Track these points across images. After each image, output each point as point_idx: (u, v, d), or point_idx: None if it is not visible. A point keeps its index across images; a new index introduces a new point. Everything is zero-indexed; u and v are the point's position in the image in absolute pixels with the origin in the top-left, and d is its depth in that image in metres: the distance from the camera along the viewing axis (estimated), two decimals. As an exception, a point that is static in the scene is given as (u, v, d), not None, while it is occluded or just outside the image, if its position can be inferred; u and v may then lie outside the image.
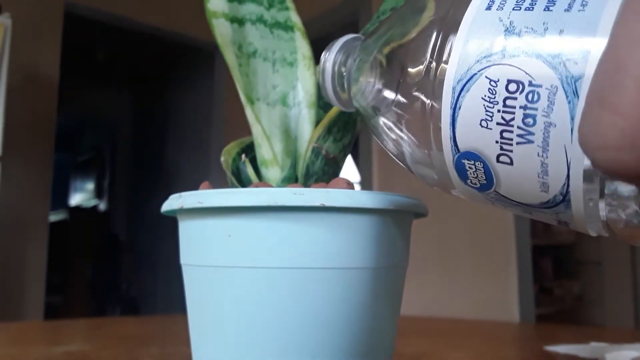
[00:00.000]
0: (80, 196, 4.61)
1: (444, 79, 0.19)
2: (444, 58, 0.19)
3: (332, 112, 0.29)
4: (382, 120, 0.22)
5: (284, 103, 0.31)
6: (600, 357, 0.55)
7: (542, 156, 0.17)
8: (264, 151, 0.29)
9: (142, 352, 0.60)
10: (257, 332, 0.24)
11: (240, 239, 0.24)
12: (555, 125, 0.16)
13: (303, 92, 0.30)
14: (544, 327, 0.82)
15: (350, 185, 0.26)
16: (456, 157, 0.19)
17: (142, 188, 3.78)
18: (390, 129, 0.22)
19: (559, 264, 2.61)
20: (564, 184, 0.17)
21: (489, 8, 0.18)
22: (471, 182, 0.19)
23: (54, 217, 3.38)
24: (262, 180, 0.30)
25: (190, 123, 3.22)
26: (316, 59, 0.31)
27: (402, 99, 0.21)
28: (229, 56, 0.28)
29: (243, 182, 0.30)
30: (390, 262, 0.26)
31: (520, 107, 0.17)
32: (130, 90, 4.22)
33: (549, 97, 0.16)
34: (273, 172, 0.29)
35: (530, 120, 0.17)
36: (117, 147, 4.32)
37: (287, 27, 0.31)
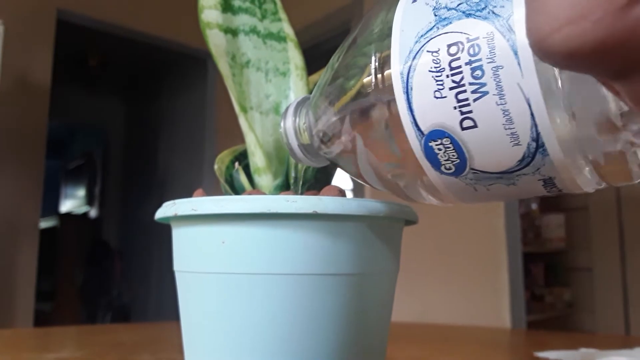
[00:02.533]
0: (71, 203, 4.58)
1: (392, 82, 0.19)
2: (386, 67, 0.19)
3: (324, 121, 0.30)
4: (347, 152, 0.23)
5: (277, 112, 0.31)
6: (588, 362, 0.55)
7: (501, 103, 0.17)
8: (257, 159, 0.29)
9: (134, 359, 0.59)
10: (249, 337, 0.24)
11: (233, 245, 0.25)
12: (503, 67, 0.17)
13: (296, 101, 0.31)
14: (534, 334, 0.83)
15: (341, 193, 0.27)
16: (423, 142, 0.19)
17: (134, 195, 3.77)
18: (356, 155, 0.22)
19: (550, 270, 2.63)
20: (532, 125, 0.17)
21: (414, 1, 0.19)
22: (445, 167, 0.19)
23: (44, 224, 3.36)
24: (255, 188, 0.30)
25: (183, 130, 3.21)
26: (308, 67, 0.32)
27: (359, 119, 0.21)
28: (223, 66, 0.29)
29: (236, 190, 0.30)
30: (381, 268, 0.27)
31: (466, 64, 0.17)
32: (122, 96, 4.21)
33: (488, 44, 0.17)
34: (266, 180, 0.29)
35: (479, 72, 0.17)
36: (109, 154, 4.30)
37: (280, 38, 0.31)
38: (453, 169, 0.19)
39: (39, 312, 2.50)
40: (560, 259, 2.65)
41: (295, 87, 0.31)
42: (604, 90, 0.15)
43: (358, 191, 2.31)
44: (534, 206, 2.56)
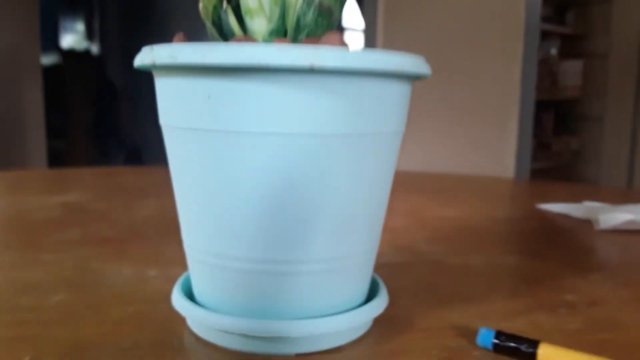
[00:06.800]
0: (71, 37, 4.45)
1: None
2: None
3: (327, -48, 0.25)
4: None
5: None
6: (593, 217, 0.55)
7: None
8: (248, -2, 0.25)
9: (139, 204, 0.60)
10: (237, 196, 0.23)
11: (220, 101, 0.22)
12: None
13: None
14: (537, 185, 0.82)
15: (344, 43, 0.23)
16: None
17: (135, 29, 3.63)
18: None
19: (561, 119, 2.61)
20: None
21: None
22: None
23: (46, 60, 3.30)
24: (246, 33, 0.26)
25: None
26: None
27: None
28: None
29: (225, 35, 0.26)
30: (385, 128, 0.24)
31: None
32: None
33: None
34: (259, 24, 0.26)
35: None
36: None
37: None
38: None
39: (53, 149, 2.56)
40: (573, 107, 2.60)
41: None
42: None
43: (370, 31, 2.20)
44: (554, 51, 2.45)
